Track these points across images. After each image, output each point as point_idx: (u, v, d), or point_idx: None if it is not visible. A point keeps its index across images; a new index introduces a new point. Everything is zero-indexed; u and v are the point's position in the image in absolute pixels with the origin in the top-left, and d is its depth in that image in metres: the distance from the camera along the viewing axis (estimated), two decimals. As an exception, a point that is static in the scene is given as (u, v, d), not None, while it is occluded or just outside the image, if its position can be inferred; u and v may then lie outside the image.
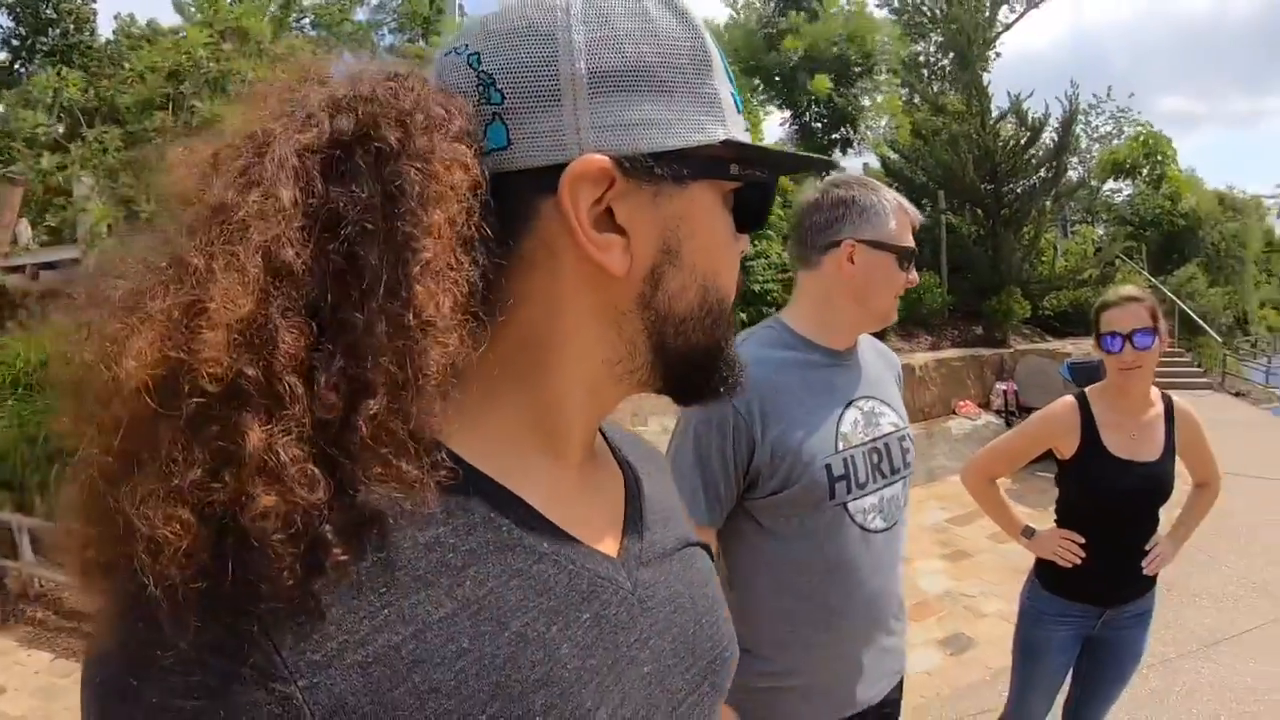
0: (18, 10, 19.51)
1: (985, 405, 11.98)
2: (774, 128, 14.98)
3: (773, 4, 15.87)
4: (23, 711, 5.03)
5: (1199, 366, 17.38)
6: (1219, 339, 18.88)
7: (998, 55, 21.94)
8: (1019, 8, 23.69)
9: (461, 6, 10.97)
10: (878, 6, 21.55)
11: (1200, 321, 18.95)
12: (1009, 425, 10.99)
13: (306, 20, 16.28)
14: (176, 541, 0.47)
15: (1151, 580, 2.84)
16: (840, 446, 1.84)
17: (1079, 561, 2.74)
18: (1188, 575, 5.84)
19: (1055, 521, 2.91)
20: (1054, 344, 14.16)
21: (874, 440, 1.91)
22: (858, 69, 14.04)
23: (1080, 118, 18.51)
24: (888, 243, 1.89)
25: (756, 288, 10.72)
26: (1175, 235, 27.07)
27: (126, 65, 8.88)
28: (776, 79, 15.61)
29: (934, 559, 6.84)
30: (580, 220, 0.63)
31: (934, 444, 9.99)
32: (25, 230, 9.44)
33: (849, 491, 1.83)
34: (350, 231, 0.53)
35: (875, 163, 15.93)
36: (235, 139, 0.58)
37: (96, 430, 0.52)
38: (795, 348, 1.92)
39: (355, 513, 0.53)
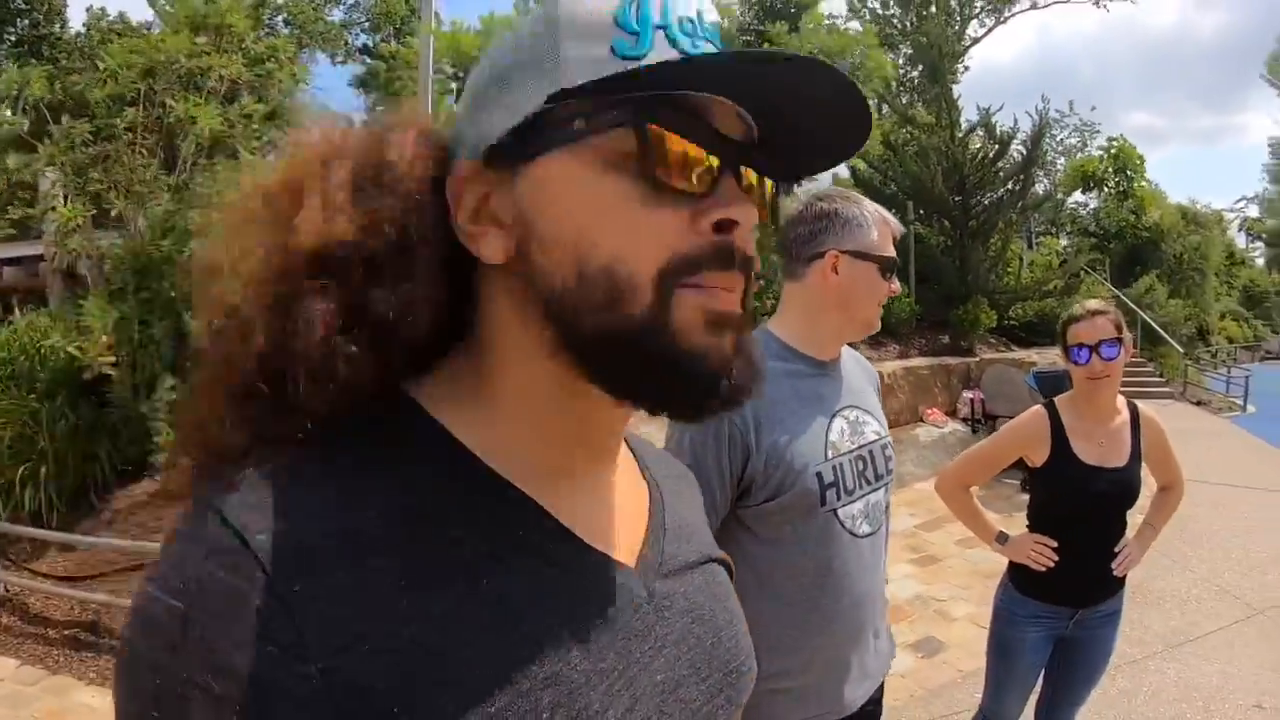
0: (-14, 0, 19.21)
1: (952, 413, 12.13)
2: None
3: (753, 12, 15.89)
4: (-14, 717, 4.96)
5: (1160, 376, 17.71)
6: (1180, 349, 19.22)
7: (965, 69, 22.15)
8: (988, 22, 23.92)
9: (438, 14, 10.90)
10: (849, 19, 21.72)
11: (1161, 332, 19.30)
12: (975, 433, 11.18)
13: (280, 18, 16.17)
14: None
15: (1120, 581, 2.93)
16: (829, 455, 1.88)
17: (1051, 565, 2.82)
18: (1151, 578, 5.97)
19: (1027, 526, 2.98)
20: (1020, 353, 14.39)
21: (860, 448, 1.96)
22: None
23: (1047, 131, 18.71)
24: (870, 253, 1.95)
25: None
26: (1139, 248, 27.52)
27: (100, 64, 8.75)
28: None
29: (904, 564, 6.90)
30: (457, 220, 0.68)
31: (902, 451, 10.08)
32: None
33: (838, 498, 1.87)
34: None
35: (844, 172, 16.05)
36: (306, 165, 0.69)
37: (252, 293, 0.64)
38: (785, 358, 1.96)
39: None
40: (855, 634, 1.94)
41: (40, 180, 8.76)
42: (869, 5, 24.53)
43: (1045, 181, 25.21)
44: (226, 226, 0.69)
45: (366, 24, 20.40)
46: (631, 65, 0.62)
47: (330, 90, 26.44)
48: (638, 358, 0.63)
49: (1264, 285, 51.66)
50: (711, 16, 0.69)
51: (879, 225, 1.98)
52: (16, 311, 9.92)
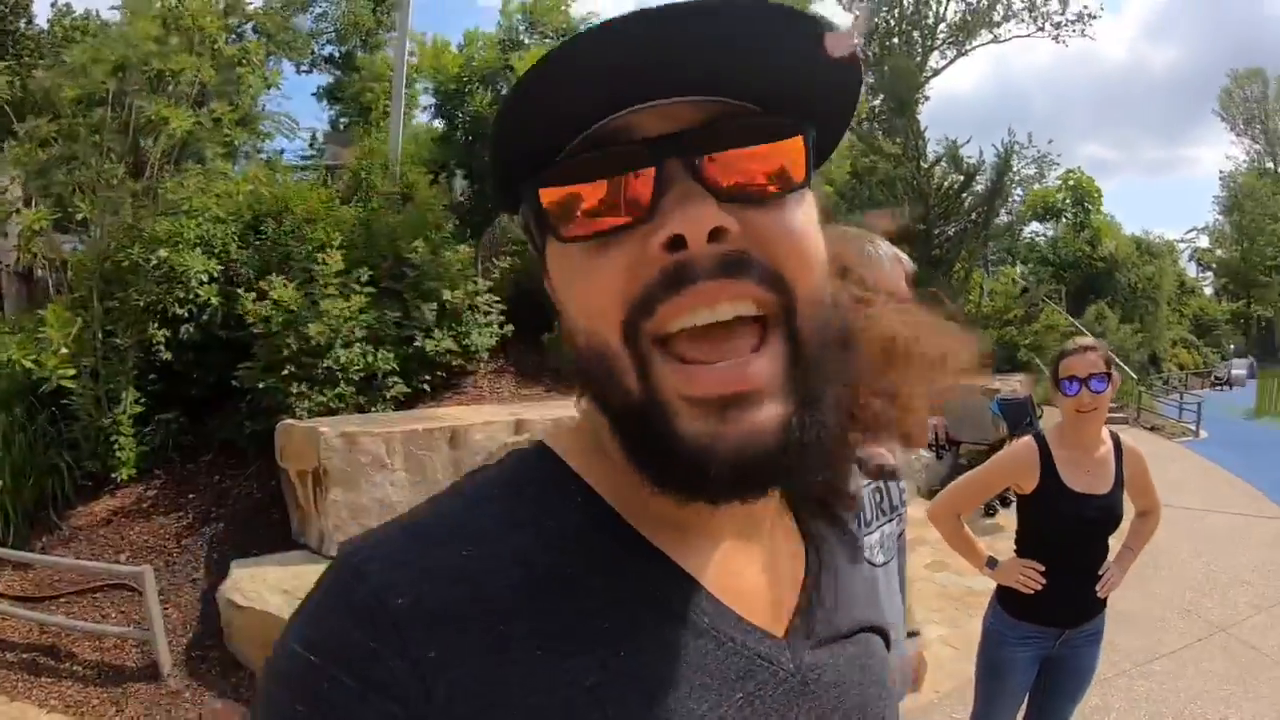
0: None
1: (908, 442, 12.21)
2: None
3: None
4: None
5: (1115, 402, 18.08)
6: (1134, 376, 19.63)
7: (926, 99, 22.53)
8: (949, 54, 24.35)
9: (412, 29, 10.84)
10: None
11: (1115, 359, 19.72)
12: (939, 458, 11.27)
13: (249, 26, 16.02)
14: None
15: (1103, 602, 3.03)
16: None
17: (1040, 587, 2.90)
18: (1119, 599, 5.99)
19: (1015, 551, 3.07)
20: (982, 380, 14.58)
21: (877, 480, 1.99)
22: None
23: (1011, 163, 19.09)
24: None
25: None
26: (1094, 277, 28.19)
27: (67, 58, 8.58)
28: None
29: (874, 588, 6.96)
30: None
31: (869, 474, 10.15)
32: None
33: (860, 528, 1.88)
34: None
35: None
36: None
37: None
38: None
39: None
40: None
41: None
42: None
43: (1006, 213, 25.78)
44: None
45: (333, 33, 20.26)
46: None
47: (296, 99, 26.37)
48: (644, 439, 0.59)
49: (1213, 313, 53.11)
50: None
51: (892, 263, 2.00)
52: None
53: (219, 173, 9.43)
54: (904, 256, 2.06)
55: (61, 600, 6.03)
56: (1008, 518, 6.88)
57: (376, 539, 0.61)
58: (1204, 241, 62.25)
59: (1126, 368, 19.70)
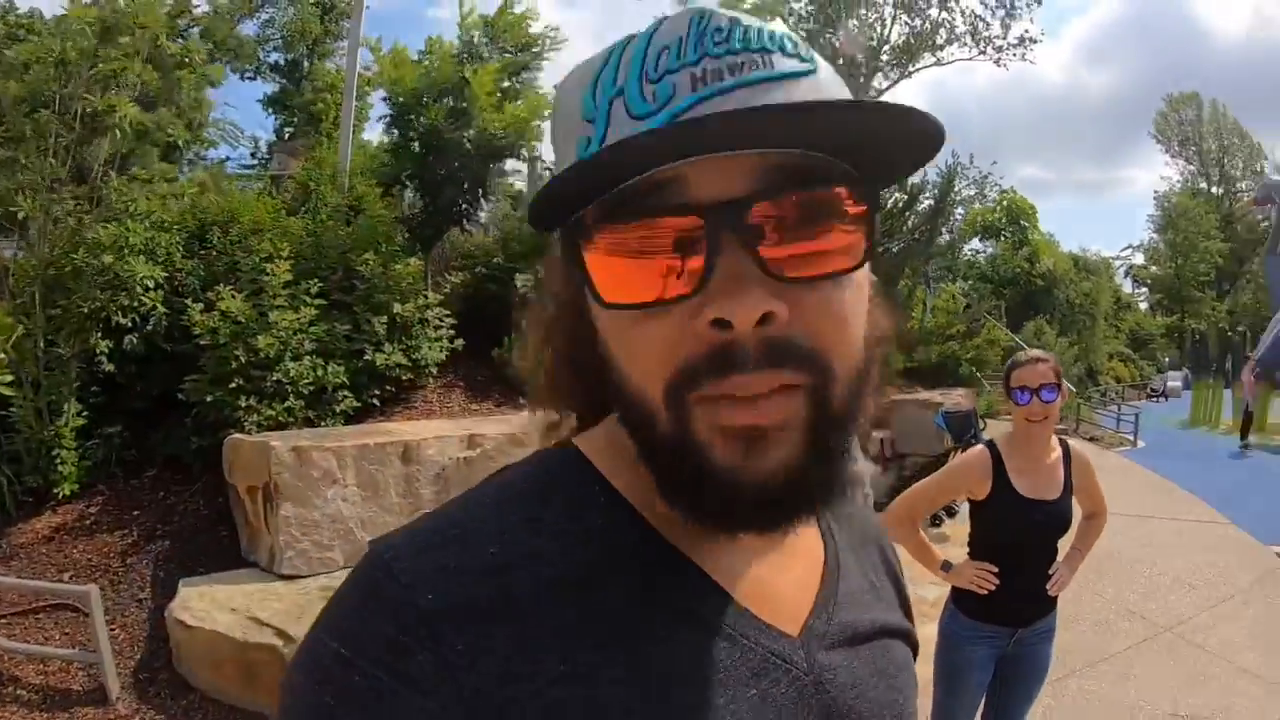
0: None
1: (864, 451, 12.42)
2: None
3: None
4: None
5: (1054, 415, 18.53)
6: (1073, 388, 20.09)
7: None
8: (893, 75, 24.63)
9: (366, 39, 10.70)
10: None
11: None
12: (885, 471, 11.47)
13: (195, 30, 15.75)
14: None
15: (1053, 601, 3.18)
16: None
17: (993, 589, 3.02)
18: (1065, 602, 6.17)
19: (968, 554, 3.19)
20: (926, 394, 14.80)
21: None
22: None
23: (954, 183, 19.42)
24: None
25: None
26: (1033, 293, 28.82)
27: (9, 54, 8.35)
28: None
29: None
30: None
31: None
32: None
33: None
34: None
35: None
36: None
37: None
38: None
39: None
40: None
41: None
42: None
43: (946, 231, 26.26)
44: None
45: (280, 40, 20.00)
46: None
47: (241, 107, 25.87)
48: (676, 475, 0.60)
49: (1149, 328, 54.73)
50: (725, 19, 0.58)
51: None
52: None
53: (165, 177, 9.24)
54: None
55: (2, 621, 5.82)
56: (953, 527, 7.04)
57: (406, 536, 0.63)
58: (1139, 258, 64.50)
59: (1065, 381, 20.18)
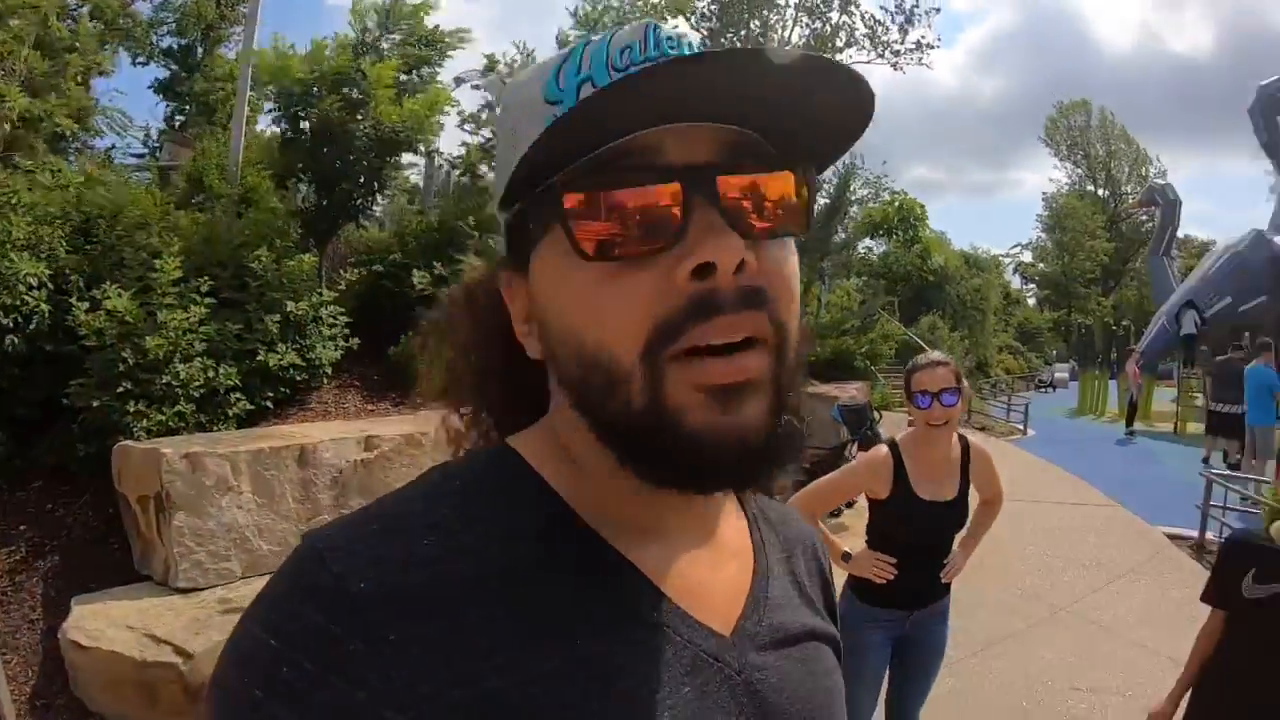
0: None
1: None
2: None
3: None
4: None
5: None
6: (973, 392, 20.83)
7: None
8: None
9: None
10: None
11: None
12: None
13: (86, 8, 15.06)
14: None
15: (948, 586, 3.41)
16: None
17: (891, 578, 3.22)
18: (963, 586, 6.50)
19: (866, 543, 3.37)
20: (823, 388, 15.16)
21: None
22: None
23: (851, 182, 19.92)
24: None
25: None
26: (925, 289, 29.68)
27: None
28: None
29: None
30: (515, 324, 0.73)
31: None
32: None
33: None
34: None
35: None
36: None
37: None
38: None
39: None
40: None
41: None
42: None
43: (842, 230, 26.83)
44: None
45: (174, 24, 19.30)
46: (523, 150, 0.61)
47: (131, 94, 24.84)
48: (645, 441, 0.62)
49: (1036, 322, 57.10)
50: (671, 29, 0.66)
51: None
52: None
53: (51, 168, 8.84)
54: None
55: None
56: (851, 518, 7.30)
57: (339, 527, 0.63)
58: (1027, 256, 67.46)
59: (964, 382, 20.89)
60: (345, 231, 11.05)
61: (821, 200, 17.41)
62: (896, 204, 33.09)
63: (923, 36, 25.41)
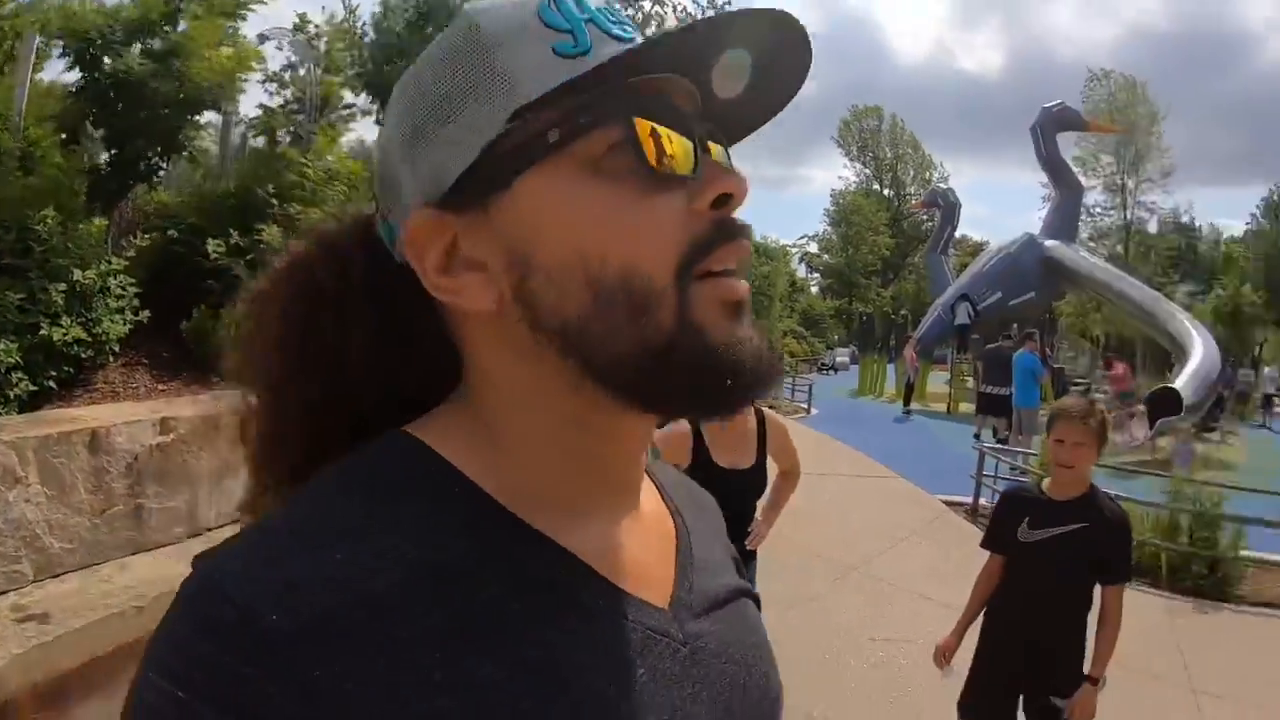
0: None
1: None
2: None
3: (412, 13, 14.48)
4: None
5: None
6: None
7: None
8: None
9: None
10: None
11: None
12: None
13: None
14: None
15: (753, 553, 3.70)
16: None
17: None
18: (766, 553, 6.83)
19: None
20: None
21: None
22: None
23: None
24: None
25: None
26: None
27: None
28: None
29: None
30: (428, 278, 0.63)
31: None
32: None
33: None
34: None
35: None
36: None
37: None
38: None
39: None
40: None
41: None
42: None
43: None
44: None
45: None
46: (587, 62, 0.60)
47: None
48: (673, 367, 0.59)
49: (820, 309, 60.39)
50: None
51: None
52: None
53: None
54: None
55: None
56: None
57: (234, 550, 0.55)
58: (814, 247, 71.20)
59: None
60: (136, 194, 10.22)
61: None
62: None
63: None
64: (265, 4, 10.65)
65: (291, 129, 11.94)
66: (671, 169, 0.60)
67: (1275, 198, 58.55)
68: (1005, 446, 12.48)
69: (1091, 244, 38.88)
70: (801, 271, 68.60)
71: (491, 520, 0.61)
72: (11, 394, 6.66)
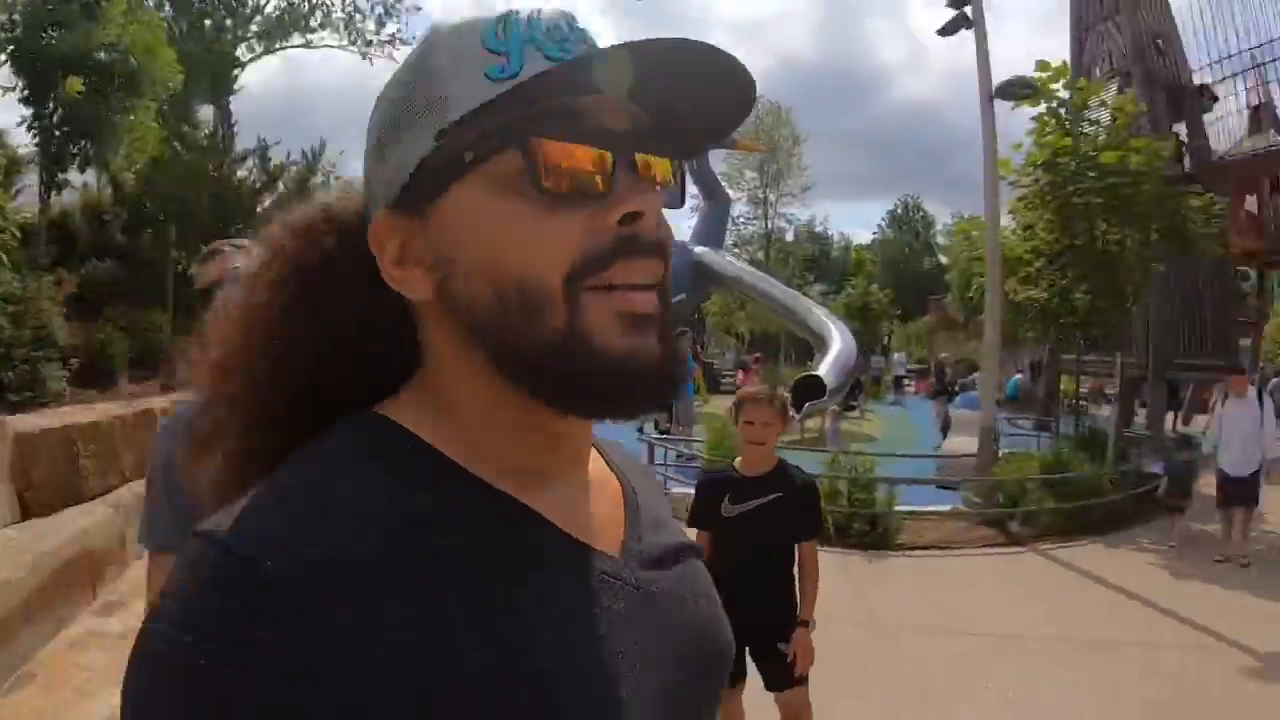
0: None
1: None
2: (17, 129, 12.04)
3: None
4: None
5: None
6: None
7: (239, 89, 21.55)
8: (257, 48, 23.52)
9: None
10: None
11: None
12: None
13: None
14: None
15: None
16: None
17: None
18: None
19: None
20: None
21: None
22: (121, 80, 12.17)
23: (317, 169, 19.21)
24: None
25: None
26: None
27: None
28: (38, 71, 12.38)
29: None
30: (385, 269, 0.70)
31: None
32: None
33: None
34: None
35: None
36: None
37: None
38: None
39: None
40: None
41: None
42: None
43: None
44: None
45: None
46: (509, 85, 0.64)
47: None
48: (562, 368, 0.65)
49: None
50: (579, 22, 0.71)
51: None
52: None
53: None
54: None
55: None
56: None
57: (233, 514, 0.61)
58: None
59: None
60: None
61: (287, 182, 16.67)
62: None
63: (398, 31, 25.50)
64: None
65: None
66: (565, 189, 0.65)
67: (898, 211, 71.37)
68: (669, 436, 13.24)
69: (736, 250, 41.93)
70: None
71: (454, 479, 0.67)
72: None
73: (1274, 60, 19.28)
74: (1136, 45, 20.08)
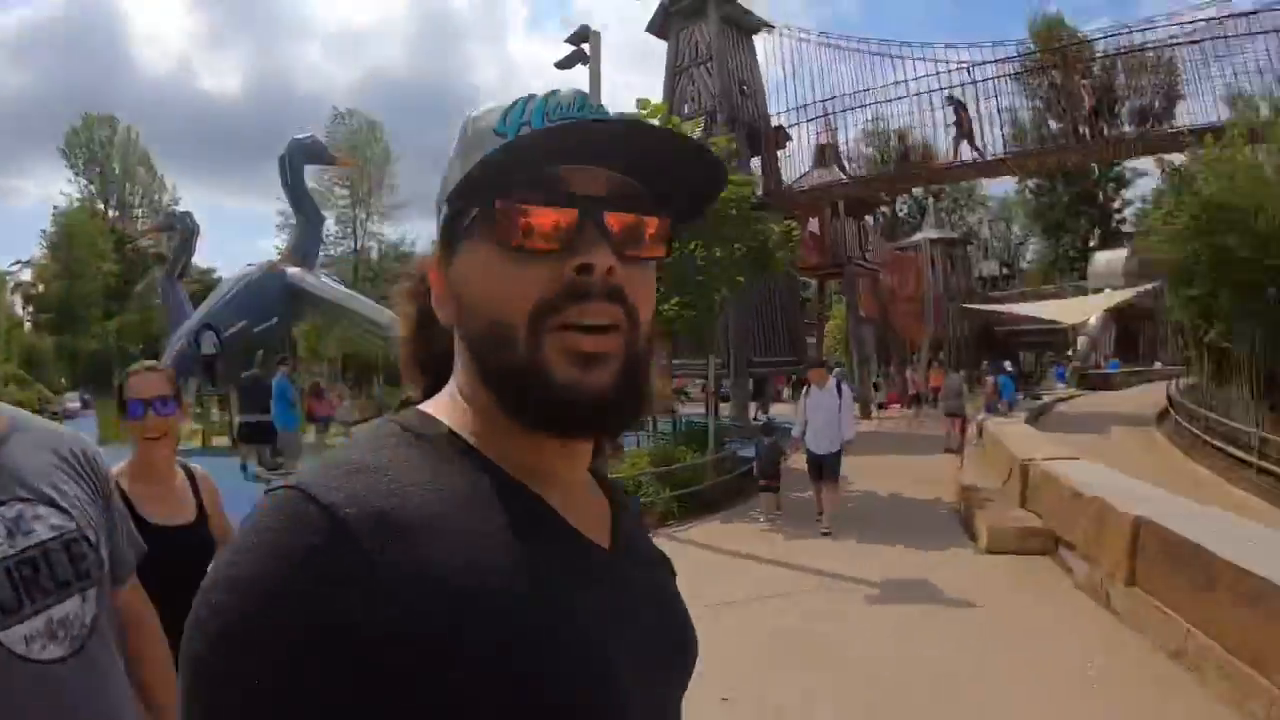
0: None
1: None
2: None
3: None
4: None
5: None
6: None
7: None
8: None
9: None
10: None
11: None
12: None
13: None
14: None
15: None
16: None
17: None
18: None
19: None
20: None
21: (21, 553, 1.56)
22: None
23: None
24: None
25: None
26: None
27: None
28: None
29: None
30: (433, 300, 0.89)
31: None
32: None
33: None
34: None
35: None
36: None
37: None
38: None
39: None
40: None
41: None
42: None
43: None
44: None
45: None
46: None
47: None
48: (522, 389, 0.77)
49: (41, 348, 51.57)
50: (596, 102, 0.86)
51: None
52: None
53: None
54: None
55: None
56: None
57: (309, 473, 0.73)
58: (28, 275, 60.36)
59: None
60: None
61: None
62: None
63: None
64: None
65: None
66: (526, 245, 0.77)
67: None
68: (278, 472, 12.70)
69: (326, 270, 40.68)
70: (20, 304, 58.97)
71: (489, 473, 0.80)
72: None
73: (842, 111, 24.73)
74: (724, 89, 23.29)
